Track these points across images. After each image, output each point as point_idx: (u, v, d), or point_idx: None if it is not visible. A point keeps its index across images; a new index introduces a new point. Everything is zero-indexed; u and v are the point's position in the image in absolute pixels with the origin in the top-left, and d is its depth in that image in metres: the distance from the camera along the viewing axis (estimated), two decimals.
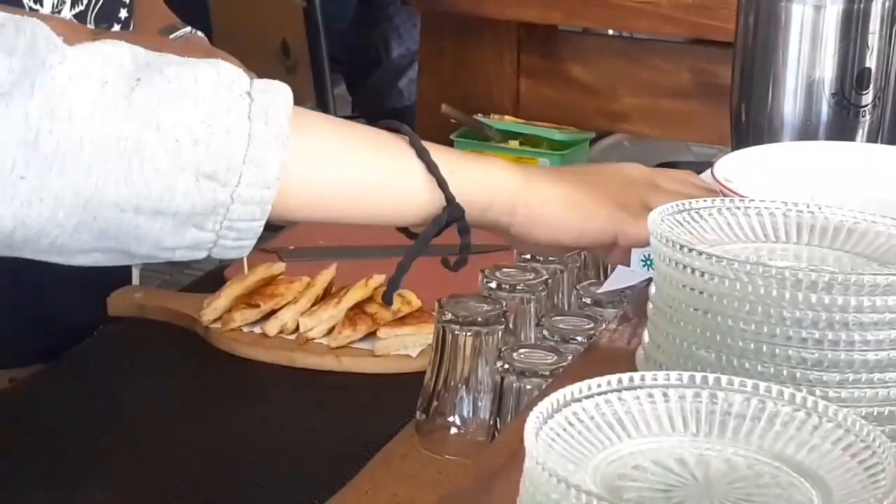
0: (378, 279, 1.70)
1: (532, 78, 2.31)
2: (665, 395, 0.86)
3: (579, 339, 1.41)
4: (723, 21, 2.03)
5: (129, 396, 1.61)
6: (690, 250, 0.97)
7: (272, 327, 1.68)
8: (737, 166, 1.31)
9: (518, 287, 1.51)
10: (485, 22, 2.29)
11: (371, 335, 1.65)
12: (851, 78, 1.48)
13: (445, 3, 2.29)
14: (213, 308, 1.70)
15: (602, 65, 2.28)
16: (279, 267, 1.76)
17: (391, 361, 1.63)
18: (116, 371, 1.68)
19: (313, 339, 1.67)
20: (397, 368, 1.62)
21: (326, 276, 1.73)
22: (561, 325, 1.44)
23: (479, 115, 2.26)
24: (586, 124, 2.29)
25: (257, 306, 1.70)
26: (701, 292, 0.97)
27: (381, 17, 3.65)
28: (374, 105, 3.68)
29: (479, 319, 1.43)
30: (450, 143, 2.22)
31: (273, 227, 4.08)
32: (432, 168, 1.16)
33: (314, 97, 3.45)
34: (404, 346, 1.64)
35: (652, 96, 2.26)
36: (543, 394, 1.03)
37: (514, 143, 2.21)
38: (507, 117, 2.28)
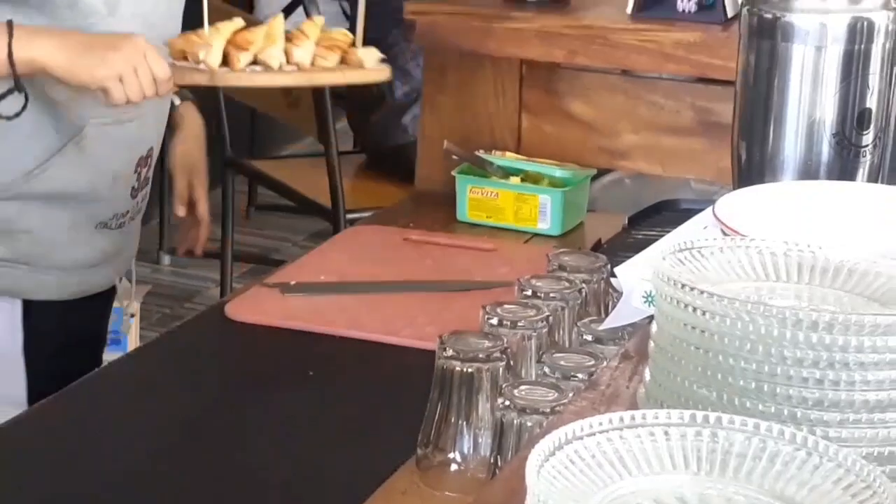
0: (319, 20, 1.97)
1: (533, 114, 2.32)
2: (666, 433, 0.86)
3: (580, 376, 1.41)
4: (724, 60, 2.04)
5: (130, 426, 1.62)
6: (692, 289, 0.98)
7: (274, 62, 1.89)
8: (738, 205, 1.32)
9: (519, 323, 1.51)
10: (487, 58, 2.30)
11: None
12: (852, 118, 1.49)
13: (448, 40, 2.30)
14: (214, 54, 1.85)
15: (603, 102, 2.29)
16: (238, 21, 1.91)
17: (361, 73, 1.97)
18: (119, 402, 1.69)
19: (302, 62, 1.92)
20: (362, 79, 1.98)
21: (278, 21, 1.93)
22: (562, 362, 1.44)
23: (481, 151, 2.27)
24: (587, 161, 2.29)
25: (247, 49, 1.87)
26: (702, 331, 0.98)
27: (386, 56, 3.66)
28: (376, 141, 3.69)
29: (480, 356, 1.43)
30: (451, 180, 2.23)
31: (274, 262, 4.07)
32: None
33: (316, 132, 3.46)
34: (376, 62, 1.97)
35: (653, 133, 2.27)
36: (544, 431, 1.03)
37: (515, 180, 2.21)
38: (508, 154, 2.28)
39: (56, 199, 1.89)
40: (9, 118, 1.77)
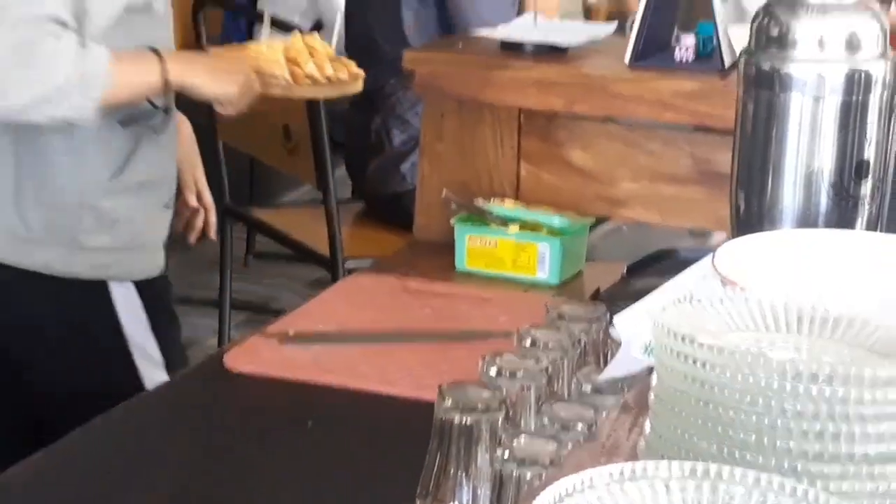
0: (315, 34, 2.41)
1: (532, 162, 2.33)
2: (667, 486, 0.86)
3: (580, 427, 1.41)
4: (722, 109, 2.04)
5: (128, 476, 1.61)
6: (692, 341, 0.98)
7: (320, 76, 2.31)
8: (737, 254, 1.32)
9: (518, 374, 1.50)
10: (486, 107, 2.31)
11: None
12: (850, 168, 1.49)
13: (447, 89, 2.31)
14: (284, 70, 2.27)
15: (601, 150, 2.29)
16: (282, 39, 2.35)
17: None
18: (117, 452, 1.68)
19: (332, 76, 2.34)
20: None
21: (299, 39, 2.34)
22: (561, 413, 1.43)
23: (480, 199, 2.27)
24: (586, 209, 2.30)
25: (298, 65, 2.29)
26: (702, 383, 0.97)
27: (384, 104, 3.67)
28: (375, 189, 3.69)
29: (479, 406, 1.43)
30: (450, 228, 2.23)
31: (272, 311, 4.06)
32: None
33: (314, 179, 3.46)
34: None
35: (651, 182, 2.27)
36: (544, 483, 1.03)
37: (514, 228, 2.22)
38: (507, 202, 2.29)
39: (143, 188, 2.22)
40: (156, 130, 2.19)
